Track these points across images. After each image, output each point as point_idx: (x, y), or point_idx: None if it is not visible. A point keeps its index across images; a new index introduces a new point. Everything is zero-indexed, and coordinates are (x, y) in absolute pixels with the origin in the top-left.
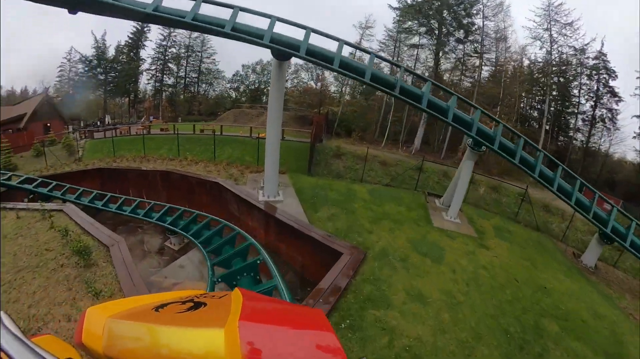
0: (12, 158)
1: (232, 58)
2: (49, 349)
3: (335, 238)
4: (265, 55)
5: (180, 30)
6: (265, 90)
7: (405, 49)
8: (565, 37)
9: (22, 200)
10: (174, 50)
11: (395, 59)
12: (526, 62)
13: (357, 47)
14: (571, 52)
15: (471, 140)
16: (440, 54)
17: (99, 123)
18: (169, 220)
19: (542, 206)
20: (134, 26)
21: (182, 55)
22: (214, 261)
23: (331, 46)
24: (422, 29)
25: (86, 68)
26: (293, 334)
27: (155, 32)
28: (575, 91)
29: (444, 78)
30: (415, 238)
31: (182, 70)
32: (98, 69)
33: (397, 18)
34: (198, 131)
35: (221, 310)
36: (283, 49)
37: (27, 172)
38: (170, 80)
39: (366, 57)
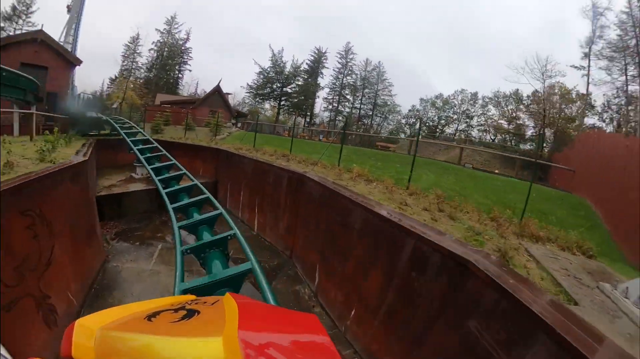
0: (168, 126)
1: (409, 91)
2: None
3: None
4: (447, 88)
5: (357, 61)
6: (445, 128)
7: None
8: None
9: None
10: (350, 79)
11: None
12: None
13: None
14: None
15: None
16: None
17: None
18: None
19: None
20: (311, 54)
21: (358, 86)
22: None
23: None
24: None
25: (263, 79)
26: (292, 341)
27: (332, 61)
28: None
29: None
30: None
31: (357, 100)
32: (276, 84)
33: None
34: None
35: (216, 318)
36: None
37: (164, 137)
38: (345, 109)
39: None
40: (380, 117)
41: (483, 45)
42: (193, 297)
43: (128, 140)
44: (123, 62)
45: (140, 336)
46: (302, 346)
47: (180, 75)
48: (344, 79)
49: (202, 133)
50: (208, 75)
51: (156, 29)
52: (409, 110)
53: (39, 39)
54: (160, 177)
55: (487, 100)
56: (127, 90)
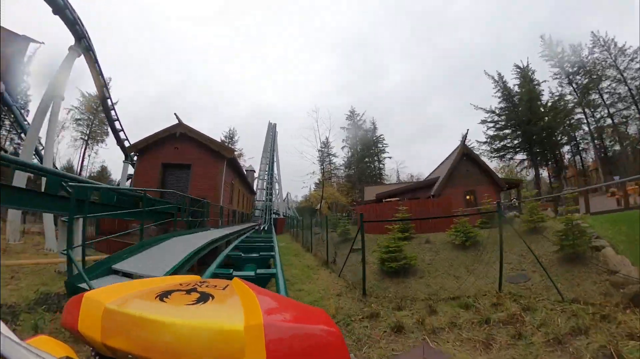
0: (409, 239)
1: None
2: (46, 350)
3: None
4: None
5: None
6: None
7: None
8: None
9: None
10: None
11: None
12: None
13: None
14: None
15: None
16: None
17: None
18: None
19: None
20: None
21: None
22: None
23: None
24: None
25: (496, 123)
26: (308, 333)
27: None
28: None
29: None
30: None
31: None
32: (510, 121)
33: None
34: None
35: (232, 304)
36: None
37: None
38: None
39: None
40: None
41: None
42: (199, 278)
43: None
44: (321, 166)
45: (155, 317)
46: (317, 338)
47: (381, 165)
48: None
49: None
50: (408, 161)
51: (341, 127)
52: None
53: (178, 133)
54: None
55: None
56: (325, 186)
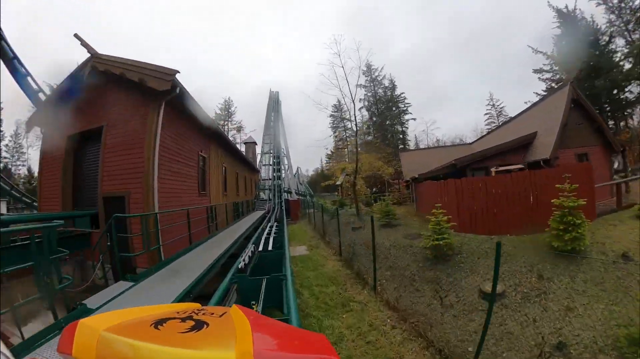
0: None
1: None
2: None
3: None
4: None
5: None
6: None
7: None
8: None
9: None
10: None
11: None
12: None
13: None
14: None
15: None
16: None
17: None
18: None
19: None
20: None
21: None
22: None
23: None
24: None
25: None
26: None
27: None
28: None
29: None
30: None
31: None
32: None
33: None
34: None
35: (226, 332)
36: None
37: None
38: None
39: None
40: None
41: None
42: (199, 306)
43: None
44: (334, 132)
45: (147, 345)
46: None
47: (404, 128)
48: None
49: None
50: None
51: (357, 85)
52: None
53: (86, 73)
54: None
55: None
56: (347, 155)
